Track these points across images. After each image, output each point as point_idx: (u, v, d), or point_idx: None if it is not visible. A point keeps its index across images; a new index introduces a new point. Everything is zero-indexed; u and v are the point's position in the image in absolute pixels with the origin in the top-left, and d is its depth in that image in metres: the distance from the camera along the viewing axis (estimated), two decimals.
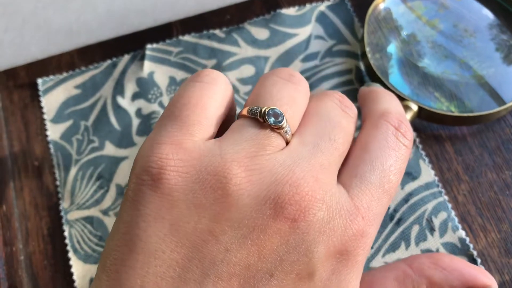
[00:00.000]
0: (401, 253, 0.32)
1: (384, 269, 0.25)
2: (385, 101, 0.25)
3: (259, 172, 0.20)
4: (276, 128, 0.21)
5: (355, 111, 0.24)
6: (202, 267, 0.19)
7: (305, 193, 0.20)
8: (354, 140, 0.24)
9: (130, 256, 0.19)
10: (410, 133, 0.24)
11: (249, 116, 0.22)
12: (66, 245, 0.34)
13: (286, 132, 0.22)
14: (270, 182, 0.20)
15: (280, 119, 0.21)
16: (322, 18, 0.39)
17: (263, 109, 0.21)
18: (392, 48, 0.37)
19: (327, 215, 0.20)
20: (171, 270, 0.19)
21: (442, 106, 0.35)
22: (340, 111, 0.23)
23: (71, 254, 0.33)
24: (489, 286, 0.23)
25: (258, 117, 0.21)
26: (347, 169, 0.23)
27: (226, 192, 0.20)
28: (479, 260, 0.32)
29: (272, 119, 0.21)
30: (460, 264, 0.24)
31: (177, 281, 0.19)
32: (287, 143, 0.22)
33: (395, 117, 0.24)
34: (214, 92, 0.22)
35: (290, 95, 0.23)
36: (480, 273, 0.24)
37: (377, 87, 0.27)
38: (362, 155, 0.23)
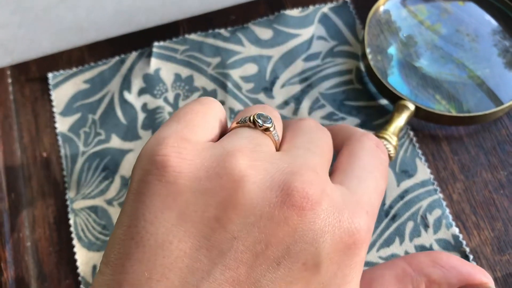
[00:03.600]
0: (396, 248, 0.33)
1: (383, 267, 0.25)
2: (362, 131, 0.27)
3: (262, 162, 0.20)
4: (266, 129, 0.22)
5: (330, 137, 0.26)
6: (210, 256, 0.19)
7: (310, 183, 0.20)
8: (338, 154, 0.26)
9: (137, 249, 0.19)
10: (387, 153, 0.27)
11: (240, 125, 0.23)
12: (71, 232, 0.35)
13: (274, 135, 0.23)
14: (274, 171, 0.20)
15: (268, 121, 0.22)
16: (324, 20, 0.40)
17: (251, 116, 0.23)
18: (393, 50, 0.38)
19: (333, 207, 0.20)
20: (179, 260, 0.19)
21: (441, 107, 0.36)
22: (318, 129, 0.25)
23: (75, 242, 0.34)
24: (485, 284, 0.24)
25: (249, 123, 0.22)
26: (340, 172, 0.24)
27: (231, 178, 0.19)
28: (471, 257, 0.32)
29: (261, 121, 0.22)
30: (458, 262, 0.25)
31: (185, 272, 0.18)
32: (277, 148, 0.23)
33: (373, 137, 0.26)
34: (213, 109, 0.24)
35: (270, 112, 0.24)
36: (477, 271, 0.24)
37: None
38: (352, 161, 0.24)
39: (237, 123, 0.23)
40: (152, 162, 0.20)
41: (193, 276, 0.18)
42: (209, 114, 0.23)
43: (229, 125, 0.30)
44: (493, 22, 0.39)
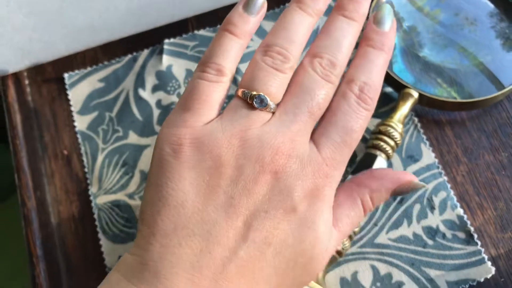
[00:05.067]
0: (404, 230, 0.35)
1: (337, 191, 0.31)
2: (359, 67, 0.30)
3: (251, 141, 0.27)
4: (262, 108, 0.28)
5: (340, 69, 0.29)
6: (215, 210, 0.26)
7: (282, 153, 0.27)
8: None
9: (163, 207, 0.26)
10: (371, 99, 0.29)
11: (242, 97, 0.28)
12: (95, 226, 0.37)
13: (270, 108, 0.28)
14: (258, 147, 0.27)
15: (264, 102, 0.28)
16: (329, 10, 0.42)
17: (252, 94, 0.28)
18: (395, 38, 0.39)
19: (300, 166, 0.27)
20: (194, 214, 0.26)
21: (443, 91, 0.37)
22: (319, 81, 0.29)
23: (100, 235, 0.36)
24: (411, 181, 0.29)
25: (248, 101, 0.28)
26: (319, 129, 0.29)
27: (227, 158, 0.27)
28: (475, 236, 0.34)
29: (258, 103, 0.28)
30: (389, 171, 0.31)
31: (200, 222, 0.26)
32: (274, 112, 0.28)
33: (358, 86, 0.29)
34: (218, 88, 0.29)
35: (273, 80, 0.29)
36: (405, 174, 0.30)
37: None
38: (330, 119, 0.29)
39: (241, 93, 0.28)
40: (170, 147, 0.27)
41: (205, 225, 0.26)
42: (214, 97, 0.29)
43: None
44: (490, 5, 0.40)
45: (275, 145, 0.27)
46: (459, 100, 0.37)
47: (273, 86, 0.29)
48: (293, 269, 0.27)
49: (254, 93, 0.28)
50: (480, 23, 0.40)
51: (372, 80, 0.30)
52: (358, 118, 0.29)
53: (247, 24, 0.30)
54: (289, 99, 0.29)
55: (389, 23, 0.31)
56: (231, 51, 0.30)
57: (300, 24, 0.30)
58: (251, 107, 0.28)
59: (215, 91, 0.29)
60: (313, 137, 0.29)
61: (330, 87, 0.29)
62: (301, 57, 0.30)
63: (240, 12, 0.30)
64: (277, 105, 0.29)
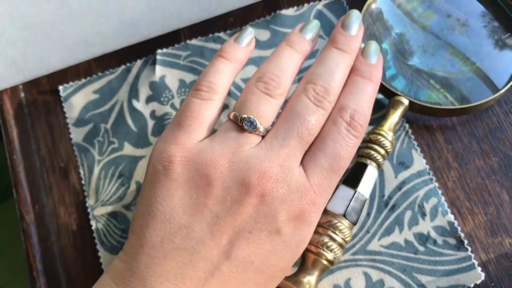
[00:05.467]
0: (396, 236, 0.36)
1: None
2: (349, 95, 0.31)
3: (238, 163, 0.28)
4: (251, 131, 0.29)
5: (332, 97, 0.31)
6: (201, 227, 0.27)
7: (269, 177, 0.28)
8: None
9: (152, 222, 0.27)
10: (361, 126, 0.30)
11: (233, 120, 0.30)
12: (94, 238, 0.38)
13: (260, 131, 0.29)
14: (246, 170, 0.28)
15: (254, 125, 0.29)
16: (319, 17, 0.42)
17: (242, 117, 0.29)
18: (386, 45, 0.39)
19: (288, 191, 0.28)
20: (180, 230, 0.27)
21: (437, 94, 0.37)
22: (311, 107, 0.30)
23: (99, 246, 0.37)
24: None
25: (238, 123, 0.29)
26: (308, 155, 0.30)
27: (215, 178, 0.28)
28: (466, 241, 0.35)
29: (247, 125, 0.29)
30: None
31: (185, 238, 0.27)
32: (264, 136, 0.30)
33: (348, 113, 0.30)
34: (210, 107, 0.31)
35: (264, 104, 0.30)
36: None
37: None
38: (319, 145, 0.30)
39: (233, 116, 0.30)
40: (161, 164, 0.29)
41: (190, 241, 0.27)
42: (206, 115, 0.30)
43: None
44: (480, 6, 0.41)
45: (262, 169, 0.28)
46: (449, 107, 0.37)
47: (264, 110, 0.30)
48: (273, 282, 0.30)
49: (245, 116, 0.29)
50: (471, 24, 0.40)
51: (362, 107, 0.31)
52: (347, 146, 0.30)
53: (238, 51, 0.32)
54: (280, 123, 0.30)
55: (376, 57, 0.32)
56: (224, 73, 0.32)
57: (290, 58, 0.32)
58: (241, 129, 0.29)
59: (207, 109, 0.31)
60: (303, 161, 0.30)
61: (322, 113, 0.30)
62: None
63: (232, 42, 0.33)
64: (268, 131, 0.30)
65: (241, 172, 0.28)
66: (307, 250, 0.33)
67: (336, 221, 0.33)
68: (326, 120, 0.31)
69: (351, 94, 0.31)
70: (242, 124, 0.29)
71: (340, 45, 0.32)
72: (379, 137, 0.35)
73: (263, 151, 0.29)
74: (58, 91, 0.42)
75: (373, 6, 0.40)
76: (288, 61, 0.32)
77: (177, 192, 0.28)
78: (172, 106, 0.40)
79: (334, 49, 0.32)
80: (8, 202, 0.90)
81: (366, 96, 0.31)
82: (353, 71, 0.32)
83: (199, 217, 0.27)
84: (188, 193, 0.28)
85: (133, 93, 0.41)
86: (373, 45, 0.33)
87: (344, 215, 0.33)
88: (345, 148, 0.30)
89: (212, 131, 0.31)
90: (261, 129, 0.29)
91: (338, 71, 0.31)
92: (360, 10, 0.40)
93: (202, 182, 0.28)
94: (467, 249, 0.35)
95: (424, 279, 0.35)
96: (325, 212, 0.33)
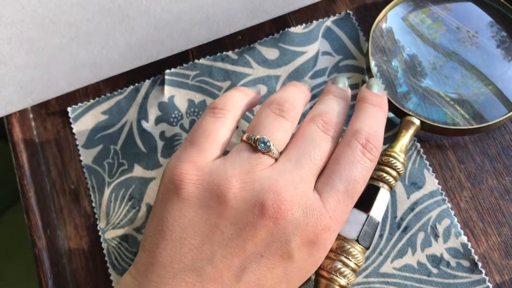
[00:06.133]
0: (408, 258, 0.35)
1: None
2: (361, 120, 0.32)
3: (251, 184, 0.28)
4: (264, 152, 0.29)
5: (337, 129, 0.32)
6: (212, 249, 0.27)
7: (284, 199, 0.27)
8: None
9: (163, 241, 0.27)
10: (376, 149, 0.31)
11: (247, 141, 0.30)
12: (105, 262, 0.38)
13: (273, 153, 0.29)
14: (259, 191, 0.27)
15: (267, 145, 0.29)
16: (328, 34, 0.42)
17: (255, 138, 0.29)
18: (396, 62, 0.39)
19: (302, 214, 0.28)
20: (190, 251, 0.27)
21: (450, 112, 0.37)
22: (321, 134, 0.31)
23: (111, 270, 0.37)
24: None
25: (252, 144, 0.29)
26: (322, 178, 0.30)
27: (227, 198, 0.27)
28: (480, 264, 0.35)
29: (261, 146, 0.29)
30: None
31: (195, 259, 0.27)
32: (277, 159, 0.30)
33: (363, 136, 0.31)
34: (223, 125, 0.31)
35: (278, 126, 0.31)
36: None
37: (372, 91, 0.34)
38: (334, 168, 0.30)
39: (246, 137, 0.30)
40: (172, 183, 0.28)
41: (200, 262, 0.27)
42: (219, 134, 0.30)
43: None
44: (488, 16, 0.40)
45: (276, 190, 0.27)
46: (462, 127, 0.37)
47: (278, 132, 0.31)
48: None
49: (258, 136, 0.30)
50: (481, 42, 0.39)
51: (376, 131, 0.31)
52: (362, 169, 0.30)
53: (249, 90, 0.34)
54: (293, 147, 0.30)
55: (381, 90, 0.34)
56: (237, 98, 0.33)
57: (298, 93, 0.33)
58: (255, 150, 0.29)
59: (220, 127, 0.31)
60: (316, 185, 0.30)
61: (331, 140, 0.31)
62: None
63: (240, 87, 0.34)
64: (281, 153, 0.30)
65: (254, 193, 0.27)
66: (319, 276, 0.32)
67: (349, 246, 0.32)
68: (339, 144, 0.31)
69: (363, 118, 0.32)
70: (256, 145, 0.29)
71: (335, 93, 0.34)
72: (391, 159, 0.35)
73: (277, 173, 0.29)
74: (67, 112, 0.42)
75: (384, 25, 0.39)
76: (297, 95, 0.33)
77: (189, 212, 0.28)
78: (182, 127, 0.40)
79: (331, 96, 0.34)
80: (16, 205, 0.91)
81: (378, 120, 0.32)
82: (361, 101, 0.33)
83: (210, 238, 0.27)
84: (200, 214, 0.27)
85: (142, 113, 0.41)
86: (376, 81, 0.34)
87: (357, 240, 0.33)
88: (361, 172, 0.30)
89: (225, 153, 0.31)
90: (275, 150, 0.30)
91: (340, 110, 0.33)
92: (370, 28, 0.39)
93: (214, 202, 0.27)
94: (481, 272, 0.34)
95: None
96: (337, 236, 0.33)
